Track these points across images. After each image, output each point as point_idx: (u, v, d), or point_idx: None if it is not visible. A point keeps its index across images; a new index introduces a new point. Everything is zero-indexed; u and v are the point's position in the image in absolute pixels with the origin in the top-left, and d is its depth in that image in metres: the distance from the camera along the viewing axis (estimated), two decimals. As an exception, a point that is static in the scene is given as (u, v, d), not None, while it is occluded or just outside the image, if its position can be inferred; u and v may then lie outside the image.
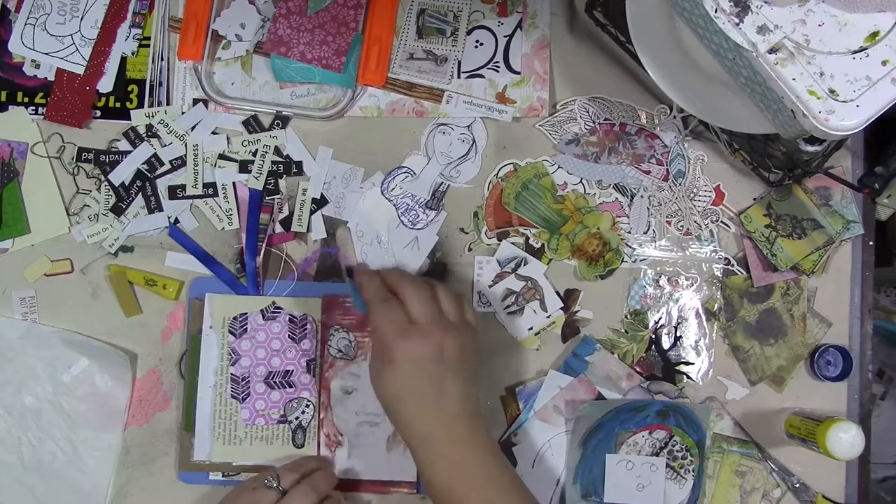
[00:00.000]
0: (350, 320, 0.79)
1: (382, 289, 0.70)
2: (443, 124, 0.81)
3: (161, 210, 0.81)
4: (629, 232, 0.80)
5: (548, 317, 0.80)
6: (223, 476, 0.80)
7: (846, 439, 0.70)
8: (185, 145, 0.81)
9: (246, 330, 0.80)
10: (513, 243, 0.80)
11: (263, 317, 0.80)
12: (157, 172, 0.82)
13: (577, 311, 0.80)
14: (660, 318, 0.80)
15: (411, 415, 0.66)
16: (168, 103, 0.83)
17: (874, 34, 0.56)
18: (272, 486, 0.71)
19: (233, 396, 0.80)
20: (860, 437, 0.70)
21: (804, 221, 0.79)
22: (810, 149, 0.64)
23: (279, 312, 0.80)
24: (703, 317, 0.80)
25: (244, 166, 0.81)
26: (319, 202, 0.81)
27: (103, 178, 0.82)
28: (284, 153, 0.82)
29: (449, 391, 0.66)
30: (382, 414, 0.78)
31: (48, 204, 0.81)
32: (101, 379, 0.80)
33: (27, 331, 0.80)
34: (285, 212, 0.81)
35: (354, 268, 0.76)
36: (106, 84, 0.83)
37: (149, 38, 0.83)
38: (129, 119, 0.82)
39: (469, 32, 0.82)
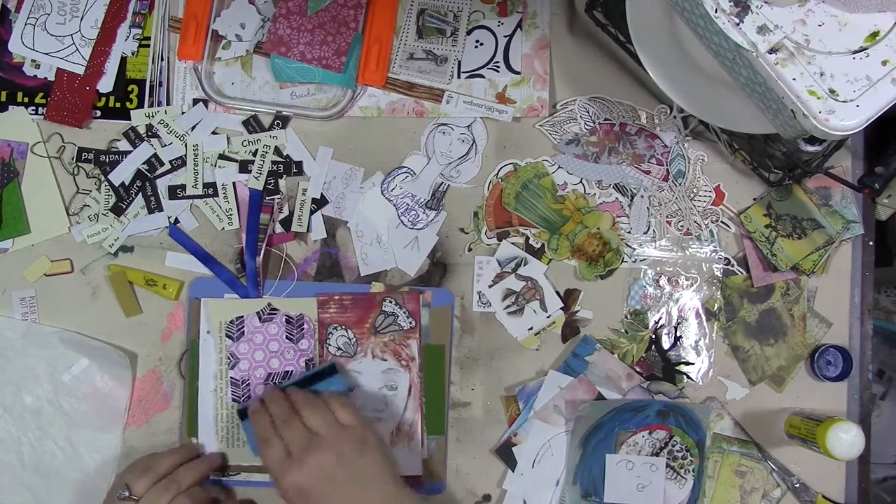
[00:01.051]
0: (348, 317, 0.79)
1: (267, 427, 0.71)
2: (443, 124, 0.81)
3: (161, 210, 0.81)
4: (629, 232, 0.80)
5: (548, 317, 0.80)
6: (223, 475, 0.80)
7: (846, 439, 0.70)
8: (185, 145, 0.81)
9: (243, 333, 0.80)
10: (513, 243, 0.80)
11: (260, 319, 0.80)
12: (157, 172, 0.82)
13: (576, 311, 0.80)
14: (660, 318, 0.80)
15: None
16: (168, 103, 0.83)
17: (874, 34, 0.56)
18: (124, 498, 0.70)
19: (233, 400, 0.79)
20: (860, 437, 0.70)
21: (804, 221, 0.79)
22: (810, 149, 0.64)
23: (275, 314, 0.80)
24: (703, 317, 0.80)
25: (244, 166, 0.81)
26: (319, 202, 0.81)
27: (103, 178, 0.82)
28: (284, 153, 0.82)
29: (355, 497, 0.67)
30: (384, 410, 0.78)
31: (48, 204, 0.81)
32: (101, 379, 0.80)
33: (27, 331, 0.80)
34: (285, 212, 0.81)
35: (248, 408, 0.75)
36: (106, 84, 0.83)
37: (149, 38, 0.83)
38: (129, 119, 0.82)
39: (469, 32, 0.82)
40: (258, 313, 0.80)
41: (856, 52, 0.56)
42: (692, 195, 0.80)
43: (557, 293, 0.80)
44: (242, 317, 0.80)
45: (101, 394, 0.80)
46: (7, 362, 0.80)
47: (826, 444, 0.70)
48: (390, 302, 0.79)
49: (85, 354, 0.80)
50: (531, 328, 0.80)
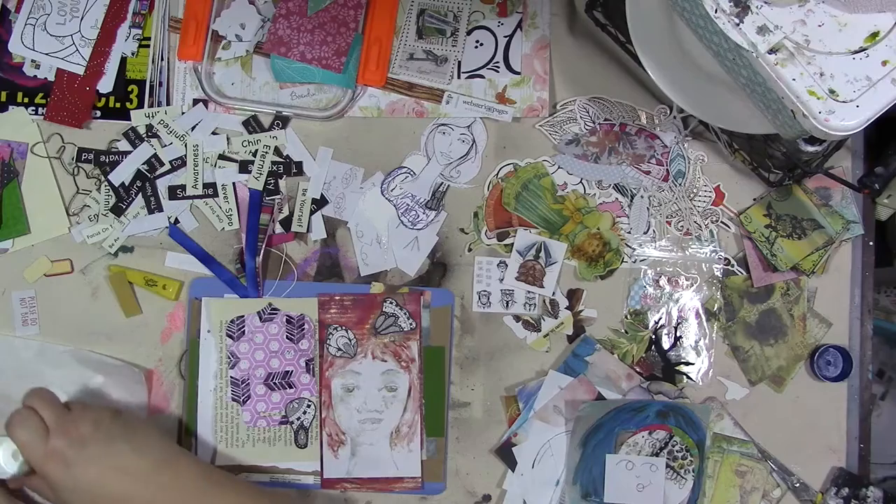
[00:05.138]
0: (348, 318, 0.79)
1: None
2: (443, 124, 0.81)
3: (161, 210, 0.81)
4: (629, 232, 0.80)
5: (555, 318, 0.80)
6: (223, 476, 0.80)
7: None
8: (185, 145, 0.81)
9: (244, 332, 0.80)
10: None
11: (260, 318, 0.80)
12: (157, 173, 0.82)
13: (581, 311, 0.80)
14: (660, 318, 0.80)
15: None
16: (168, 103, 0.83)
17: (874, 34, 0.57)
18: None
19: (233, 399, 0.79)
20: None
21: (804, 221, 0.79)
22: (810, 149, 0.64)
23: (276, 314, 0.80)
24: (703, 317, 0.80)
25: (244, 166, 0.81)
26: (319, 202, 0.81)
27: (103, 179, 0.82)
28: (284, 153, 0.82)
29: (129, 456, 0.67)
30: (384, 410, 0.78)
31: (48, 204, 0.81)
32: (117, 395, 0.79)
33: (41, 350, 0.79)
34: (285, 212, 0.81)
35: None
36: (106, 84, 0.83)
37: (149, 39, 0.83)
38: (129, 119, 0.82)
39: (469, 33, 0.82)
40: (259, 313, 0.80)
41: (856, 52, 0.56)
42: (692, 195, 0.80)
43: (561, 293, 0.80)
44: (243, 316, 0.80)
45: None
46: (22, 382, 0.77)
47: None
48: (391, 303, 0.79)
49: (99, 372, 0.79)
50: (540, 331, 0.80)
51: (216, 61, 0.83)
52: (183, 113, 0.82)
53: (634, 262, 0.80)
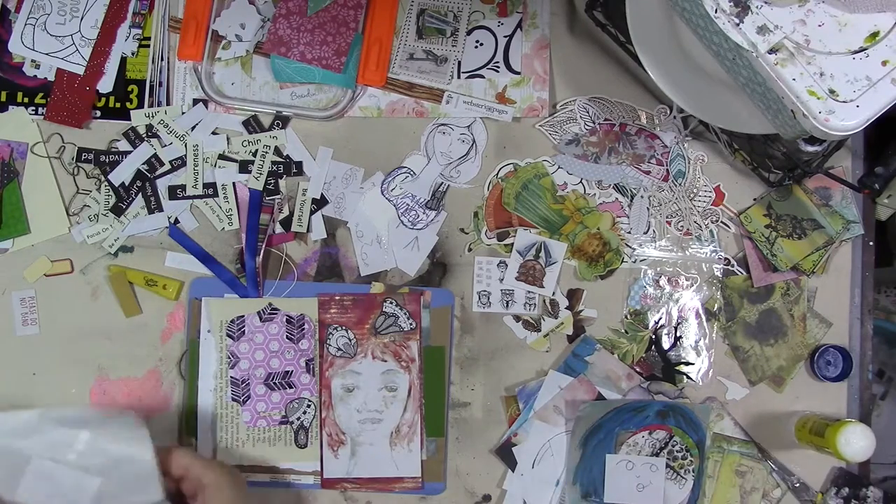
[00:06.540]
0: (348, 318, 0.79)
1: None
2: (443, 124, 0.81)
3: (161, 210, 0.81)
4: (629, 232, 0.80)
5: (555, 318, 0.80)
6: (223, 476, 0.79)
7: (861, 445, 0.70)
8: (185, 145, 0.81)
9: (244, 332, 0.80)
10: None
11: (260, 318, 0.80)
12: (157, 172, 0.82)
13: (581, 311, 0.80)
14: (660, 318, 0.80)
15: None
16: (168, 103, 0.83)
17: (874, 34, 0.57)
18: None
19: (233, 399, 0.79)
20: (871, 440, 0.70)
21: (804, 221, 0.79)
22: (810, 149, 0.64)
23: (276, 314, 0.80)
24: (703, 317, 0.80)
25: (244, 166, 0.81)
26: (319, 202, 0.81)
27: (103, 179, 0.82)
28: (284, 153, 0.82)
29: None
30: (384, 410, 0.78)
31: (48, 204, 0.81)
32: (114, 445, 0.69)
33: (9, 426, 0.68)
34: (285, 212, 0.81)
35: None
36: (106, 84, 0.83)
37: (149, 38, 0.83)
38: (129, 119, 0.82)
39: (469, 32, 0.82)
40: (259, 313, 0.80)
41: (856, 52, 0.56)
42: (692, 195, 0.80)
43: (561, 293, 0.80)
44: (243, 316, 0.80)
45: (120, 460, 0.69)
46: None
47: (837, 446, 0.70)
48: (391, 303, 0.79)
49: (83, 428, 0.69)
50: (540, 330, 0.80)
51: (216, 61, 0.83)
52: (183, 113, 0.82)
53: (634, 262, 0.80)
